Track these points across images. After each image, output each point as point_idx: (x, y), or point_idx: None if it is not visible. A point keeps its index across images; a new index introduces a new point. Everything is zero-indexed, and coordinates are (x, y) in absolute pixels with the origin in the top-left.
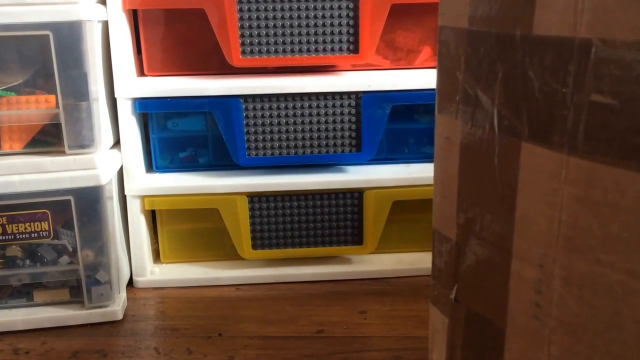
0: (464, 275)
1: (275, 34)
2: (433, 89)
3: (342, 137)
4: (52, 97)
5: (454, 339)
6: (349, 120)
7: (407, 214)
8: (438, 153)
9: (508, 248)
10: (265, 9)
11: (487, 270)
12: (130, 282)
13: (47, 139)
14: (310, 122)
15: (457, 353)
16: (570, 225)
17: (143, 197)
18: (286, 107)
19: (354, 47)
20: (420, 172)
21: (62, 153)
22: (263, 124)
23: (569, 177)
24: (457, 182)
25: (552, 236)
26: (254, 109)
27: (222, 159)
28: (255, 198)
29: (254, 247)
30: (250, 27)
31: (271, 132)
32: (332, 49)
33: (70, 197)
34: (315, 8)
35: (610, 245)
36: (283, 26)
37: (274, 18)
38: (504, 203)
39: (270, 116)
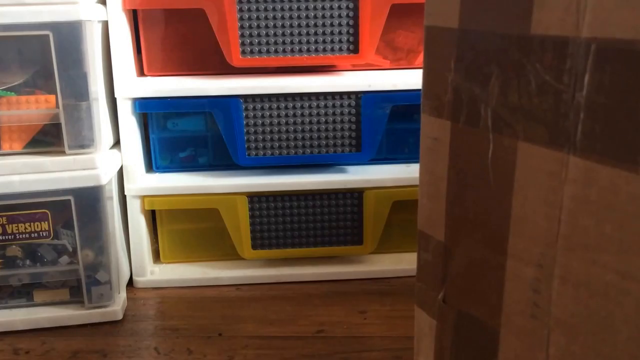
0: (454, 276)
1: (275, 34)
2: None
3: (342, 137)
4: (52, 97)
5: (443, 341)
6: (349, 120)
7: (407, 214)
8: (425, 153)
9: (503, 248)
10: (265, 9)
11: (479, 271)
12: (130, 282)
13: (47, 139)
14: (310, 122)
15: (445, 356)
16: (569, 225)
17: (143, 197)
18: (286, 107)
19: (354, 47)
20: None
21: (62, 153)
22: (263, 124)
23: (569, 176)
24: (446, 182)
25: (551, 235)
26: (254, 109)
27: (222, 159)
28: (255, 198)
29: (254, 247)
30: (250, 27)
31: (271, 132)
32: (332, 49)
33: (70, 197)
34: (315, 8)
35: (605, 245)
36: (283, 26)
37: (274, 18)
38: (499, 203)
39: (270, 116)
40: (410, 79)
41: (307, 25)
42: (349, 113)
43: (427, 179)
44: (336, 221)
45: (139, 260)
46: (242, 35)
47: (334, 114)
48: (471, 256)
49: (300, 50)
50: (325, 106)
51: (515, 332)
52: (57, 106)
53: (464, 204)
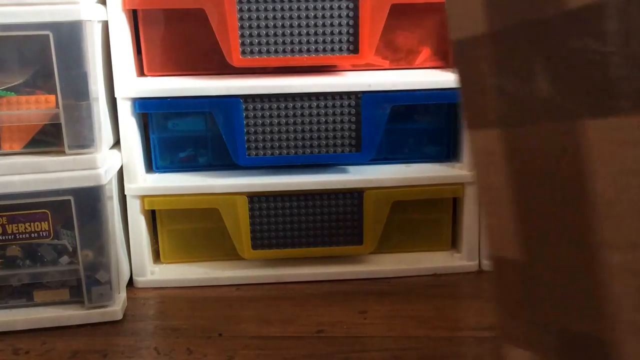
0: (541, 295)
1: (275, 34)
2: (433, 89)
3: (342, 137)
4: (52, 97)
5: None
6: (349, 120)
7: (407, 214)
8: (480, 171)
9: (592, 240)
10: (265, 9)
11: (569, 277)
12: (130, 282)
13: (47, 139)
14: (310, 122)
15: None
16: None
17: (143, 197)
18: (286, 107)
19: (354, 47)
20: (420, 172)
21: (62, 153)
22: (263, 124)
23: None
24: (509, 195)
25: None
26: (254, 109)
27: (222, 159)
28: (255, 198)
29: (254, 247)
30: (250, 27)
31: (271, 132)
32: (332, 49)
33: (70, 197)
34: (315, 8)
35: None
36: (283, 26)
37: (274, 18)
38: (576, 194)
39: (270, 116)
40: (410, 79)
41: (307, 25)
42: (349, 113)
43: (488, 198)
44: (336, 221)
45: (139, 260)
46: (242, 35)
47: (334, 114)
48: (557, 264)
49: (300, 50)
50: (325, 106)
51: (632, 331)
52: (57, 106)
53: (536, 210)
